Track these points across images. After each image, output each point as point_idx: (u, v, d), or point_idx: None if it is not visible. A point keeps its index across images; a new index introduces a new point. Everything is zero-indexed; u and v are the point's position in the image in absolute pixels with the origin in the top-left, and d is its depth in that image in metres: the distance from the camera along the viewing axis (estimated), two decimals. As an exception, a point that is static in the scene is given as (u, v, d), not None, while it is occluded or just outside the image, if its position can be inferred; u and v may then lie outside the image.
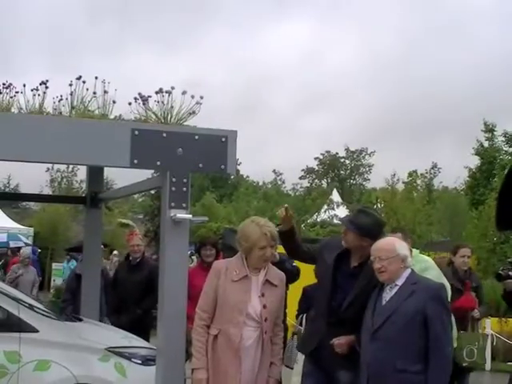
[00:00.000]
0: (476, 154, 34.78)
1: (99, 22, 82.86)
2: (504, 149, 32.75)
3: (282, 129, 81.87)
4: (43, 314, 6.10)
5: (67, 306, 9.08)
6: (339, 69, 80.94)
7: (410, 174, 30.92)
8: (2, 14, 69.41)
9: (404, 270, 4.72)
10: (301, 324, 7.72)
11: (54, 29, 75.57)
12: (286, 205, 5.43)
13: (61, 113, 4.99)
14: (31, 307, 6.06)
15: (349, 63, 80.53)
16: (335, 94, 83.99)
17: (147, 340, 7.33)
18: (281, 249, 5.70)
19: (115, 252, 17.34)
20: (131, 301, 8.46)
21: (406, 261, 4.73)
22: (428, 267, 6.21)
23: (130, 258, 8.79)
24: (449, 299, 5.05)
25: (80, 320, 6.78)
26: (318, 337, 5.13)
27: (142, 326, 8.19)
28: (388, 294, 4.73)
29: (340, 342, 4.95)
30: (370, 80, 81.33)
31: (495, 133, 34.16)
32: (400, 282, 4.70)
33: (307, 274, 7.46)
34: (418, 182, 32.31)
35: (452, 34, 79.03)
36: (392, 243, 4.78)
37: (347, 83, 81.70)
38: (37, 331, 5.92)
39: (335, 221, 33.23)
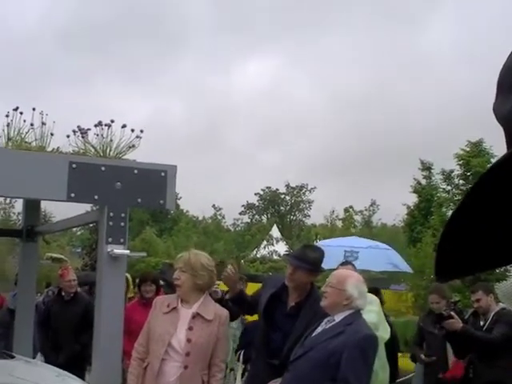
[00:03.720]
0: (414, 192, 35.28)
1: (62, 52, 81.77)
2: (441, 187, 33.25)
3: (226, 164, 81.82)
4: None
5: (-1, 341, 8.84)
6: (294, 106, 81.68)
7: (345, 210, 31.25)
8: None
9: (346, 308, 4.44)
10: (238, 359, 7.67)
11: (17, 58, 74.09)
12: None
13: (-4, 144, 4.90)
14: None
15: (303, 101, 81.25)
16: (285, 131, 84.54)
17: (83, 376, 7.17)
18: (222, 286, 5.66)
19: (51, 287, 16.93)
20: (67, 337, 8.28)
21: (352, 301, 4.45)
22: (369, 302, 6.15)
23: (63, 293, 8.61)
24: (377, 350, 4.50)
25: (12, 357, 6.59)
26: (260, 378, 5.01)
27: (78, 363, 8.02)
28: (321, 328, 4.50)
29: None
30: (320, 118, 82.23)
31: (432, 171, 34.73)
32: (338, 319, 4.44)
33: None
34: (357, 218, 32.61)
35: (403, 79, 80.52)
36: (346, 277, 4.54)
37: (299, 121, 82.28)
38: (-34, 369, 5.74)
39: (275, 256, 33.36)
